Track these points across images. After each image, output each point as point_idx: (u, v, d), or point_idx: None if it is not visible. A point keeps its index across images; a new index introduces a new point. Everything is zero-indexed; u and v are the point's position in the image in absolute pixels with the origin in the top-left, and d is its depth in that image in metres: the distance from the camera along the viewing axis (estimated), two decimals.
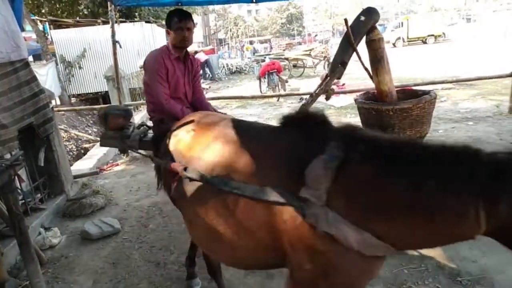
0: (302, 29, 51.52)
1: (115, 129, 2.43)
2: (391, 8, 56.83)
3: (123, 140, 2.40)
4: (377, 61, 2.90)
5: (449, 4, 60.40)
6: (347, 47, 2.82)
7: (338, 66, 2.74)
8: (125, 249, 2.98)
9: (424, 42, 26.50)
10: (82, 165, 5.06)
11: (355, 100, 3.04)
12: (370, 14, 2.83)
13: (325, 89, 3.10)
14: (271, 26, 53.15)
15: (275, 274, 2.43)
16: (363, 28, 2.79)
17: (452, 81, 6.63)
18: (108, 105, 6.16)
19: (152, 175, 4.43)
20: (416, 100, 2.66)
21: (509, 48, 5.57)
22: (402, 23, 28.52)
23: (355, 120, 5.46)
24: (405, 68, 12.58)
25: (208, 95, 12.19)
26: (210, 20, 36.82)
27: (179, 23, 2.51)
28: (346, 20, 3.04)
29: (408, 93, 3.19)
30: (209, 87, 13.49)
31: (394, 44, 26.75)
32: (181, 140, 1.82)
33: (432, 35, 27.09)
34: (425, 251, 2.46)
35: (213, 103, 9.71)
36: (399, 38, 27.31)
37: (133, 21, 14.40)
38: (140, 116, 8.71)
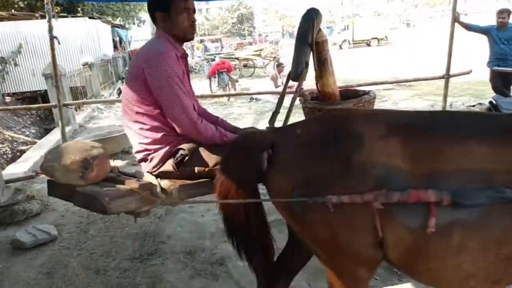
0: (252, 30, 51.90)
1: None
2: (337, 11, 58.91)
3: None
4: (321, 63, 2.94)
5: (391, 10, 63.86)
6: (305, 47, 2.80)
7: (303, 68, 2.71)
8: (62, 257, 2.80)
9: (368, 45, 27.79)
10: (16, 169, 4.70)
11: (299, 100, 3.08)
12: (317, 14, 2.87)
13: (300, 93, 3.06)
14: (222, 25, 52.99)
15: (220, 275, 2.42)
16: (315, 27, 2.83)
17: (392, 82, 6.99)
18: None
19: None
20: (356, 100, 2.75)
21: (443, 52, 6.04)
22: (348, 26, 29.72)
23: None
24: (350, 69, 13.08)
25: None
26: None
27: (185, 1, 1.89)
28: (313, 20, 3.08)
29: (350, 93, 3.29)
30: None
31: (340, 46, 27.79)
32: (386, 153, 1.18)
33: (376, 38, 28.51)
34: None
35: None
36: (345, 40, 28.42)
37: (76, 16, 13.67)
38: (82, 116, 8.28)
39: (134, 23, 28.65)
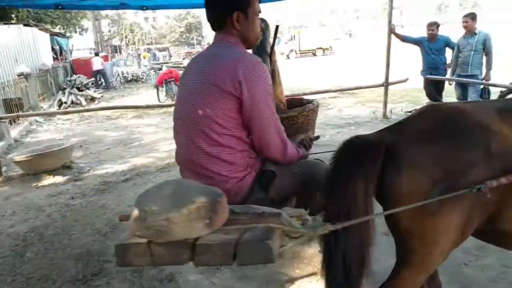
0: (201, 39, 51.72)
1: None
2: (284, 21, 60.46)
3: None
4: (272, 75, 3.00)
5: (335, 21, 66.76)
6: (265, 57, 2.80)
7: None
8: None
9: (314, 54, 28.78)
10: None
11: None
12: (267, 25, 2.90)
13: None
14: (170, 34, 52.29)
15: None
16: (269, 38, 2.88)
17: (336, 90, 7.28)
18: None
19: (31, 197, 3.94)
20: (301, 108, 2.83)
21: (383, 61, 6.47)
22: (294, 36, 30.60)
23: None
24: (296, 78, 13.44)
25: (100, 105, 11.41)
26: (102, 25, 34.68)
27: (258, 3, 1.66)
28: (277, 27, 3.10)
29: (295, 102, 3.36)
30: (101, 96, 12.62)
31: (287, 56, 28.50)
32: None
33: (321, 48, 29.62)
34: (312, 250, 2.61)
35: (105, 113, 9.07)
36: (292, 50, 29.21)
37: (9, 23, 12.80)
38: (18, 130, 7.73)
39: (75, 31, 27.42)
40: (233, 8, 1.59)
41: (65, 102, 11.43)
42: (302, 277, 2.38)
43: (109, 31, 47.89)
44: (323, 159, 1.90)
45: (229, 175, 1.59)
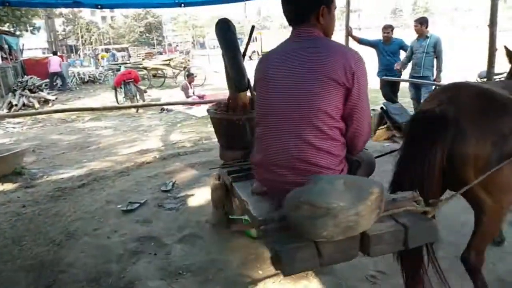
0: (162, 39, 50.76)
1: None
2: (246, 23, 60.61)
3: None
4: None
5: None
6: (239, 57, 2.72)
7: (248, 78, 2.61)
8: None
9: None
10: None
11: (208, 111, 3.07)
12: (232, 25, 2.84)
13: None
14: (129, 34, 50.83)
15: None
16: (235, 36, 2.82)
17: None
18: None
19: None
20: None
21: None
22: (256, 37, 30.71)
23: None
24: None
25: (54, 107, 10.89)
26: (56, 24, 33.09)
27: None
28: (253, 27, 3.04)
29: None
30: (56, 98, 12.04)
31: (250, 57, 28.58)
32: None
33: None
34: None
35: (60, 116, 8.66)
36: (254, 51, 29.31)
37: None
38: None
39: (27, 30, 25.99)
40: (320, 3, 1.60)
41: (16, 105, 10.78)
42: (266, 278, 2.38)
43: (64, 30, 45.83)
44: None
45: (335, 168, 1.58)
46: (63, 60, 16.85)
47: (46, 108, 10.66)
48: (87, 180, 4.41)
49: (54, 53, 16.10)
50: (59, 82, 14.84)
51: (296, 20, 1.64)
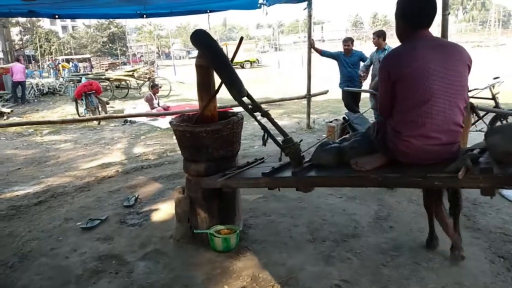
0: (126, 49, 49.79)
1: None
2: (212, 34, 60.89)
3: None
4: (203, 87, 2.96)
5: (261, 34, 68.79)
6: (230, 66, 2.71)
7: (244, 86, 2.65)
8: None
9: (242, 67, 29.27)
10: None
11: (170, 123, 3.03)
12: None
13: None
14: (91, 44, 49.49)
15: None
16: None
17: (263, 102, 7.42)
18: None
19: None
20: (225, 121, 2.83)
21: (305, 74, 6.85)
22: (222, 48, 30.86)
23: None
24: (224, 90, 13.50)
25: (10, 120, 10.38)
26: (13, 33, 31.67)
27: None
28: (242, 38, 3.03)
29: (220, 115, 3.35)
30: (11, 111, 11.47)
31: (242, 66, 28.80)
32: None
33: (248, 60, 30.26)
34: (241, 263, 2.60)
35: (16, 129, 8.22)
36: (247, 60, 29.64)
37: None
38: None
39: None
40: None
41: None
42: None
43: (21, 39, 43.96)
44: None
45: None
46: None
47: (0, 121, 10.13)
48: (45, 197, 4.21)
49: (17, 60, 14.66)
50: (18, 92, 13.81)
51: (427, 24, 2.10)
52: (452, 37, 5.33)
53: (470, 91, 4.91)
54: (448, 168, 1.84)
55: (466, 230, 2.88)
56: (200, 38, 2.72)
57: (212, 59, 2.68)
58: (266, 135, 2.64)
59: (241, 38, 3.17)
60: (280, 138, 2.61)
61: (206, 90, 2.92)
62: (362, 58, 6.35)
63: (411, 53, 2.04)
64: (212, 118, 2.95)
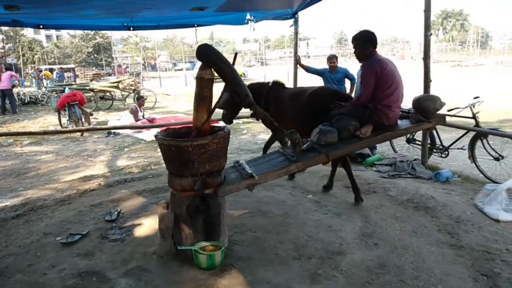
0: (111, 60, 49.43)
1: None
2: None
3: None
4: (201, 99, 2.95)
5: (247, 48, 69.49)
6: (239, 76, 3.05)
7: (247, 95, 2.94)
8: None
9: None
10: None
11: (156, 136, 2.99)
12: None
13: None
14: (76, 54, 48.97)
15: None
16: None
17: (248, 116, 7.42)
18: None
19: None
20: (212, 136, 2.81)
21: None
22: None
23: None
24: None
25: None
26: None
27: None
28: (236, 54, 3.18)
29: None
30: None
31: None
32: None
33: None
34: (226, 281, 2.56)
35: None
36: (243, 73, 30.12)
37: None
38: None
39: None
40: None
41: None
42: None
43: (3, 47, 43.21)
44: None
45: None
46: (17, 79, 15.01)
47: None
48: (23, 210, 4.08)
49: (7, 69, 14.17)
50: (7, 102, 13.24)
51: (375, 47, 3.38)
52: (433, 56, 5.47)
53: (452, 109, 5.05)
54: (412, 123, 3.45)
55: (450, 248, 2.92)
56: (210, 52, 2.88)
57: (223, 65, 2.87)
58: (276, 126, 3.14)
59: (236, 54, 3.22)
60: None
61: (203, 102, 2.91)
62: (347, 75, 6.44)
63: (382, 62, 3.30)
64: (202, 131, 2.94)
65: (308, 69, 6.42)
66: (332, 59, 6.38)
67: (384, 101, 3.24)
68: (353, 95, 6.44)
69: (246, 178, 2.91)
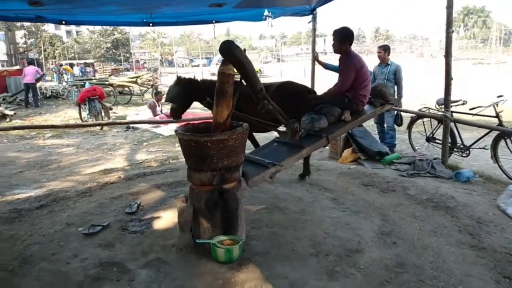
0: (129, 56, 50.09)
1: None
2: (216, 43, 61.34)
3: None
4: (221, 94, 2.96)
5: (263, 45, 69.32)
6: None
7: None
8: None
9: None
10: None
11: (175, 131, 3.03)
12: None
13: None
14: (95, 49, 49.82)
15: None
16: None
17: None
18: None
19: None
20: (230, 132, 2.83)
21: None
22: None
23: None
24: None
25: (13, 122, 10.39)
26: (17, 36, 31.84)
27: None
28: (244, 50, 3.19)
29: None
30: (14, 113, 11.49)
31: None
32: None
33: None
34: (243, 275, 2.58)
35: (19, 132, 8.25)
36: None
37: None
38: None
39: None
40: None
41: None
42: None
43: (25, 42, 44.23)
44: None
45: None
46: (20, 74, 15.65)
47: (3, 124, 10.15)
48: (46, 201, 4.20)
49: (30, 63, 14.71)
50: (30, 96, 13.53)
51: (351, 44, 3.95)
52: (453, 54, 5.37)
53: (474, 108, 4.94)
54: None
55: (471, 249, 2.87)
56: (234, 48, 2.92)
57: (246, 63, 2.95)
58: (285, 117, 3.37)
59: (244, 50, 3.23)
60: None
61: (224, 97, 2.92)
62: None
63: (360, 59, 3.96)
64: (222, 125, 2.95)
65: (326, 66, 6.33)
66: None
67: (361, 91, 3.88)
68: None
69: (269, 167, 3.16)
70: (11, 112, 11.42)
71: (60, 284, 2.56)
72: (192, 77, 4.37)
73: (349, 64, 3.83)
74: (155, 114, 9.84)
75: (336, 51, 4.03)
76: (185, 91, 4.21)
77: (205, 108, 4.29)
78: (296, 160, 3.47)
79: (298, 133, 3.39)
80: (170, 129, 8.23)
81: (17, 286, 2.55)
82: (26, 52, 42.01)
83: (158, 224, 3.45)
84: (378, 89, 4.23)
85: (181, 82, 4.26)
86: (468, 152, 5.13)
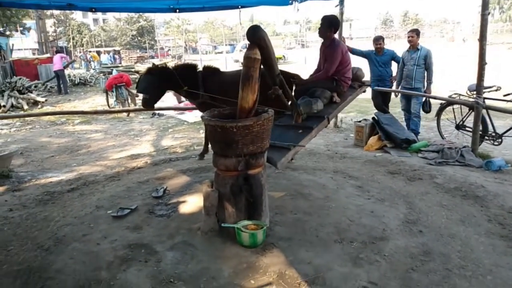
0: (154, 43, 50.63)
1: None
2: (239, 29, 61.01)
3: None
4: (246, 78, 2.95)
5: (287, 31, 68.43)
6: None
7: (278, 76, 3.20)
8: None
9: None
10: None
11: (202, 117, 3.06)
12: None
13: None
14: (121, 37, 50.56)
15: None
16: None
17: None
18: None
19: None
20: (256, 118, 2.83)
21: None
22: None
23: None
24: None
25: (44, 109, 10.76)
26: (47, 25, 32.76)
27: None
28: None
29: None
30: (46, 100, 11.88)
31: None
32: None
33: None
34: (267, 259, 2.61)
35: (50, 118, 8.52)
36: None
37: None
38: None
39: (16, 30, 25.72)
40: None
41: (4, 106, 10.63)
42: (257, 287, 2.36)
43: (55, 31, 45.39)
44: None
45: None
46: (51, 62, 16.21)
47: (35, 110, 10.53)
48: (77, 184, 4.35)
49: (57, 52, 15.30)
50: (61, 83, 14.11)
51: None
52: (488, 38, 5.11)
53: (508, 94, 4.74)
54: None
55: (501, 239, 2.79)
56: (263, 33, 2.93)
57: (271, 49, 3.00)
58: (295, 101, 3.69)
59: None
60: None
61: (249, 81, 2.90)
62: (394, 57, 6.21)
63: (343, 44, 4.29)
64: (248, 110, 2.94)
65: (353, 51, 6.23)
66: (378, 40, 6.16)
67: (346, 74, 4.14)
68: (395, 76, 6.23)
69: (290, 149, 3.28)
70: (43, 99, 11.82)
71: (91, 263, 2.67)
72: (164, 65, 4.38)
73: (336, 49, 4.02)
74: (180, 101, 9.95)
75: (321, 36, 4.19)
76: (158, 81, 4.16)
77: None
78: (309, 140, 3.63)
79: (300, 116, 3.66)
80: (194, 115, 8.32)
81: (52, 264, 2.67)
82: (55, 41, 43.17)
83: (184, 208, 3.53)
84: (354, 73, 4.42)
85: (152, 71, 4.20)
86: (500, 140, 4.95)
